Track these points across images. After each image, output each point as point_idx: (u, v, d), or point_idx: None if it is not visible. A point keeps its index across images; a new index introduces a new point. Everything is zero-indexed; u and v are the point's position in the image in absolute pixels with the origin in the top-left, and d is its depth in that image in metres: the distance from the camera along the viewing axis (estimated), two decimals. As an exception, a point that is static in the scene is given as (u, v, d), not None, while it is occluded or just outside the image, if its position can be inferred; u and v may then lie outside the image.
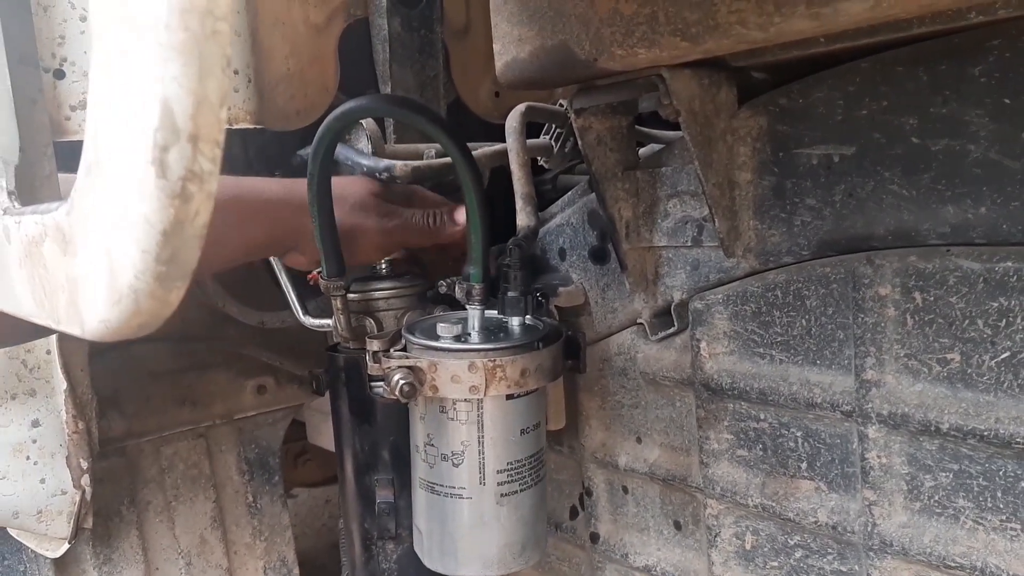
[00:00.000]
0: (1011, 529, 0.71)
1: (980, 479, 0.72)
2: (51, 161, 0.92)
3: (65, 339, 1.11)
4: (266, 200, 0.91)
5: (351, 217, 0.94)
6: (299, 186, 0.91)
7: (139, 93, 0.37)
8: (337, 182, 0.91)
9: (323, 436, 1.58)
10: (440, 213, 0.99)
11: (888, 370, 0.76)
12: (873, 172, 0.75)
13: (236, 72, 1.07)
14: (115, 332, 0.48)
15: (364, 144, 1.06)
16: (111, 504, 1.32)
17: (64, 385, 1.12)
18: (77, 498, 1.15)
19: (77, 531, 1.18)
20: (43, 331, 1.04)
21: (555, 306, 1.04)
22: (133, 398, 1.33)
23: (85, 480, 1.15)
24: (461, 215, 0.98)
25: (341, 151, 1.04)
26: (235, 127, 1.08)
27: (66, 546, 1.19)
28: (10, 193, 0.72)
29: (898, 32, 0.68)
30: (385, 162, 1.01)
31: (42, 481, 1.13)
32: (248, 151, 1.26)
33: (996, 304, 0.68)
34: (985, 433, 0.69)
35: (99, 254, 0.46)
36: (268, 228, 0.92)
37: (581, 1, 0.78)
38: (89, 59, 0.42)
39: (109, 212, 0.43)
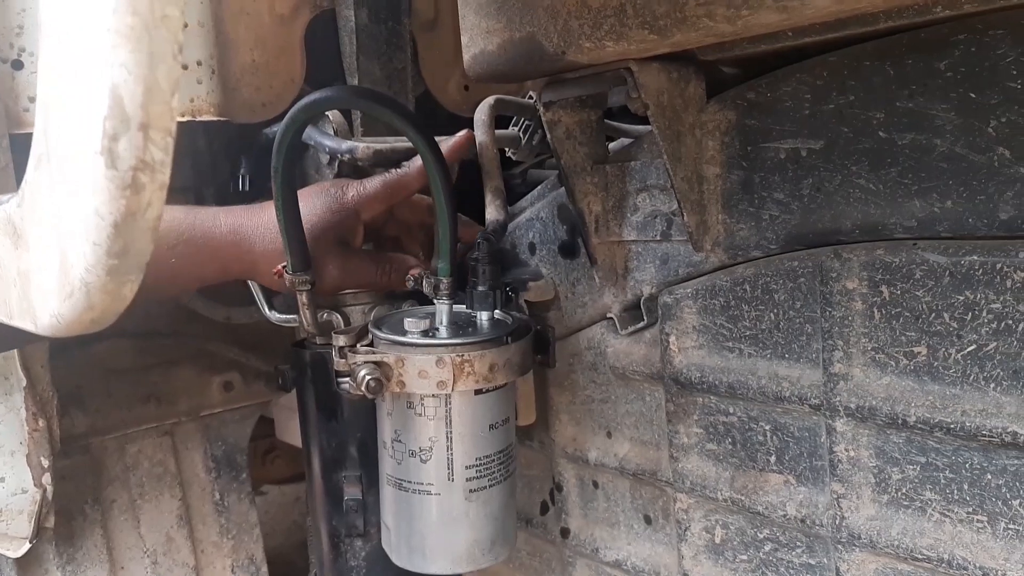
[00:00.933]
0: (977, 521, 0.71)
1: (947, 471, 0.72)
2: (6, 153, 0.91)
3: (24, 335, 1.09)
4: (216, 245, 0.90)
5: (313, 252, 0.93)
6: (248, 221, 0.91)
7: (87, 81, 0.36)
8: (310, 216, 0.91)
9: (291, 433, 1.56)
10: (393, 270, 0.97)
11: (856, 363, 0.77)
12: (841, 166, 0.75)
13: (199, 63, 1.05)
14: (68, 327, 0.47)
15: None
16: (74, 503, 1.29)
17: (23, 382, 1.10)
18: (38, 497, 1.13)
19: (39, 530, 1.15)
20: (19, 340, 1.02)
21: (525, 300, 1.03)
22: (96, 395, 1.30)
23: (46, 478, 1.13)
24: (416, 275, 0.97)
25: (307, 131, 1.02)
26: (199, 119, 1.06)
27: (27, 545, 1.16)
28: (-37, 185, 0.70)
29: (865, 26, 0.68)
30: (348, 143, 1.00)
31: (1, 480, 1.11)
32: (212, 144, 1.24)
33: (962, 297, 0.69)
34: (951, 426, 0.70)
35: (50, 247, 0.45)
36: (220, 266, 0.92)
37: (549, -7, 0.78)
38: (37, 47, 0.41)
39: (59, 204, 0.42)
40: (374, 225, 0.99)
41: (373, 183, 0.95)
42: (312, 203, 0.93)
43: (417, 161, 0.96)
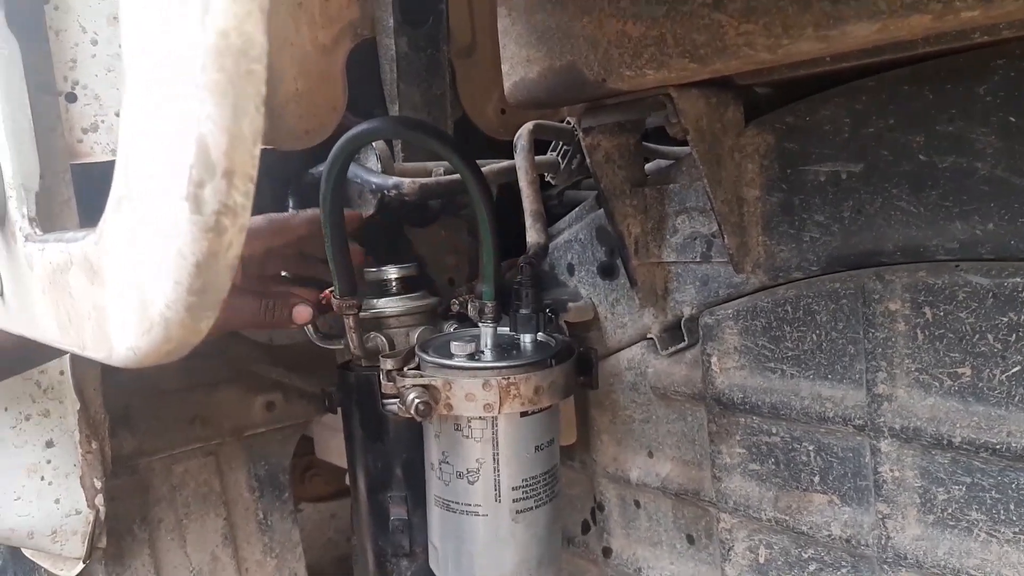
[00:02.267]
0: (1024, 541, 0.71)
1: (993, 491, 0.73)
2: (69, 187, 0.93)
3: (78, 359, 1.12)
4: None
5: None
6: None
7: (174, 131, 0.38)
8: None
9: (331, 451, 1.58)
10: (277, 307, 0.95)
11: (899, 384, 0.77)
12: (881, 189, 0.76)
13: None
14: (144, 359, 0.49)
15: (374, 162, 1.07)
16: (123, 523, 1.32)
17: (77, 405, 1.13)
18: (91, 517, 1.16)
19: (91, 551, 1.18)
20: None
21: (564, 321, 1.05)
22: (143, 416, 1.33)
23: (99, 499, 1.15)
24: (302, 314, 0.96)
25: (351, 169, 1.05)
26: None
27: (81, 566, 1.19)
28: (31, 219, 0.73)
29: (903, 52, 0.69)
30: (394, 179, 1.02)
31: (56, 501, 1.14)
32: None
33: (1006, 319, 0.69)
34: (997, 446, 0.70)
35: (129, 284, 0.47)
36: None
37: (590, 23, 0.79)
38: (120, 94, 0.43)
39: (140, 244, 0.44)
40: (251, 262, 0.96)
41: (256, 220, 0.93)
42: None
43: (308, 212, 0.97)
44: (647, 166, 1.06)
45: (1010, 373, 0.70)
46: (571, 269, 1.08)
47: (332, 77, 1.18)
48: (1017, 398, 0.70)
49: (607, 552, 1.12)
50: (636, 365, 1.03)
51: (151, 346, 0.47)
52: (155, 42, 0.39)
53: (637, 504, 1.08)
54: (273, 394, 1.45)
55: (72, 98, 1.04)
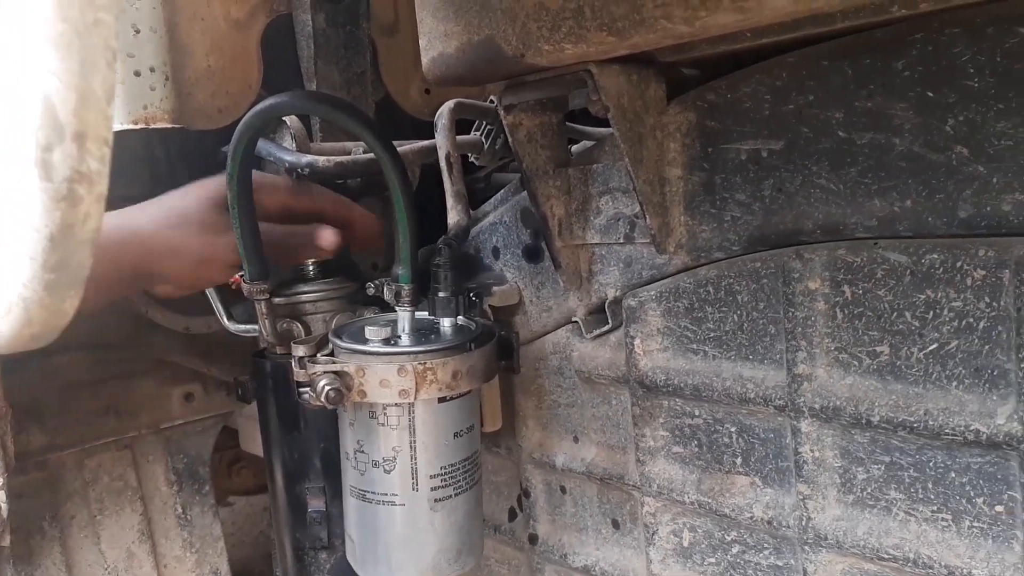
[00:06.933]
0: (942, 520, 0.71)
1: (911, 470, 0.72)
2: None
3: (-24, 350, 1.06)
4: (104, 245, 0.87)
5: (174, 232, 0.89)
6: (140, 214, 0.88)
7: (18, 90, 0.34)
8: (177, 193, 0.88)
9: (256, 443, 1.53)
10: (301, 232, 0.94)
11: (819, 364, 0.76)
12: (801, 166, 0.75)
13: (152, 70, 1.03)
14: (8, 344, 0.45)
15: (288, 142, 1.03)
16: (32, 520, 1.26)
17: (-25, 399, 1.07)
18: (-8, 516, 1.10)
19: (-6, 550, 1.12)
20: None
21: (490, 306, 1.02)
22: (53, 409, 1.27)
23: (1, 496, 1.10)
24: (327, 236, 0.95)
25: (263, 146, 1.01)
26: (153, 127, 1.04)
27: (-18, 566, 1.13)
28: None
29: (822, 26, 0.68)
30: (308, 157, 0.99)
31: (-46, 499, 1.08)
32: (170, 152, 1.22)
33: (923, 296, 0.69)
34: (915, 424, 0.70)
35: (-14, 263, 0.43)
36: (111, 267, 0.86)
37: (507, -5, 0.77)
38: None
39: (-6, 218, 0.40)
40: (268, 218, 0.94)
41: (286, 179, 0.95)
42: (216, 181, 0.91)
43: (325, 240, 0.95)
44: (573, 148, 1.04)
45: (928, 351, 0.70)
46: (496, 252, 1.05)
47: (246, 54, 1.13)
48: (934, 376, 0.69)
49: (533, 539, 1.10)
50: (561, 349, 1.01)
51: (12, 330, 0.43)
52: (-5, -10, 0.35)
53: (563, 490, 1.06)
54: (192, 385, 1.40)
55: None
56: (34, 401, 1.25)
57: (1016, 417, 0.65)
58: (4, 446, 1.10)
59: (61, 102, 0.33)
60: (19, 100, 0.35)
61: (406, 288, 0.88)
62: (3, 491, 1.09)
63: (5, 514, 1.10)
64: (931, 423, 0.69)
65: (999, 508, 0.68)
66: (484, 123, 1.14)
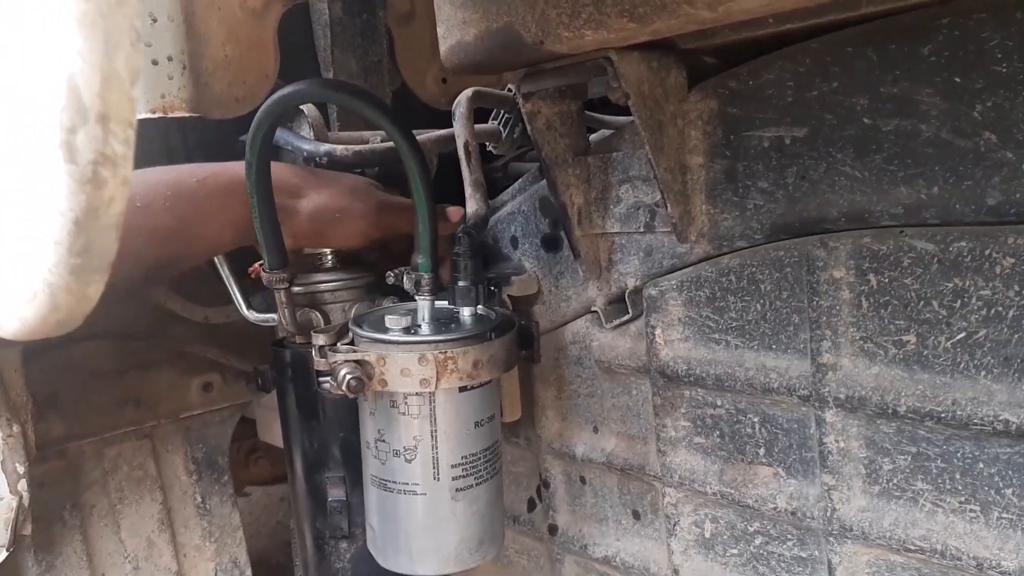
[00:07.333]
0: (970, 511, 0.70)
1: (938, 461, 0.71)
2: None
3: (-5, 340, 1.06)
4: (224, 191, 0.88)
5: (342, 198, 0.94)
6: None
7: (42, 71, 0.34)
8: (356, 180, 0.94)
9: (274, 433, 1.54)
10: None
11: (844, 353, 0.76)
12: (825, 154, 0.74)
13: (170, 59, 1.03)
14: (33, 330, 0.45)
15: (307, 131, 1.03)
16: (52, 509, 1.27)
17: (-3, 388, 1.07)
18: (14, 504, 1.10)
19: (16, 538, 1.13)
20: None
21: (508, 295, 1.02)
22: (73, 399, 1.28)
23: (22, 485, 1.10)
24: (457, 213, 1.00)
25: (281, 136, 1.00)
26: (171, 115, 1.04)
27: (4, 553, 1.13)
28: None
29: (847, 11, 0.67)
30: (326, 146, 0.98)
31: (-24, 488, 1.09)
32: (188, 141, 1.22)
33: (951, 285, 0.68)
34: (942, 415, 0.69)
35: (10, 248, 0.43)
36: (231, 218, 0.89)
37: (527, -20, 0.76)
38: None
39: (17, 202, 0.40)
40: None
41: (405, 201, 0.97)
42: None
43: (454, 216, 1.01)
44: (592, 137, 1.03)
45: (955, 340, 0.69)
46: (515, 242, 1.05)
47: (263, 42, 1.13)
48: (962, 365, 0.69)
49: (553, 529, 1.10)
50: (581, 339, 1.01)
51: (38, 316, 0.43)
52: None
53: (583, 480, 1.05)
54: (210, 375, 1.41)
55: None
56: (53, 391, 1.25)
57: (1046, 406, 0.64)
58: (25, 435, 1.11)
59: (85, 83, 0.33)
60: (41, 81, 0.35)
61: (426, 277, 0.87)
62: (24, 479, 1.10)
63: (27, 503, 1.11)
64: (959, 413, 0.68)
65: (1028, 499, 0.67)
66: (502, 112, 1.13)
